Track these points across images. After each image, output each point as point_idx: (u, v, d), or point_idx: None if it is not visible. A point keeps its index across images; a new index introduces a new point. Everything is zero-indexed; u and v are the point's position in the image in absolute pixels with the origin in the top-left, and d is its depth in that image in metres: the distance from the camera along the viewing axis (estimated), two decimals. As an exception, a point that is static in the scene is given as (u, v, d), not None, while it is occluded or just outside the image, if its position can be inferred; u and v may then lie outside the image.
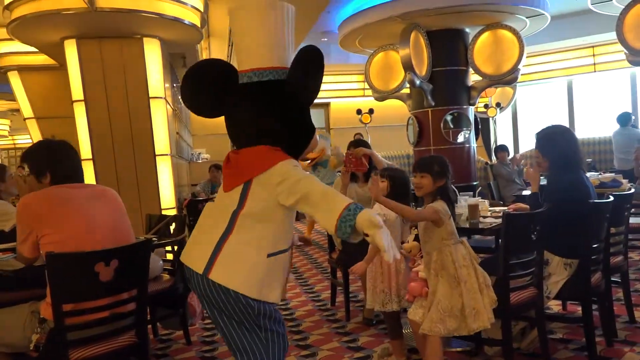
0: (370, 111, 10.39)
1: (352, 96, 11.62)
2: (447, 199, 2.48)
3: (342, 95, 11.64)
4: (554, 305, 3.62)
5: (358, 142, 4.07)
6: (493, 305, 2.37)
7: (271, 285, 1.78)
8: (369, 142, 4.67)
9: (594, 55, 10.02)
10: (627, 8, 6.36)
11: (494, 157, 8.78)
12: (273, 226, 1.77)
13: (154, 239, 3.11)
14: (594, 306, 2.89)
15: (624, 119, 7.96)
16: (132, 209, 5.32)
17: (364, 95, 11.34)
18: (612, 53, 9.22)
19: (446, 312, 2.33)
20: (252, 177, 1.74)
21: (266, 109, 1.83)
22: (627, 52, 6.47)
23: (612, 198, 2.85)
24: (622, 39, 6.41)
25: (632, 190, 3.85)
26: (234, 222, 1.75)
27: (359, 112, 10.50)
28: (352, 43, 8.11)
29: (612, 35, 6.54)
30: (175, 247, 3.35)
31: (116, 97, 5.63)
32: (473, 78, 7.67)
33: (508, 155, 7.60)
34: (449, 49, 7.27)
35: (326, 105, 11.85)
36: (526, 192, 5.96)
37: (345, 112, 11.52)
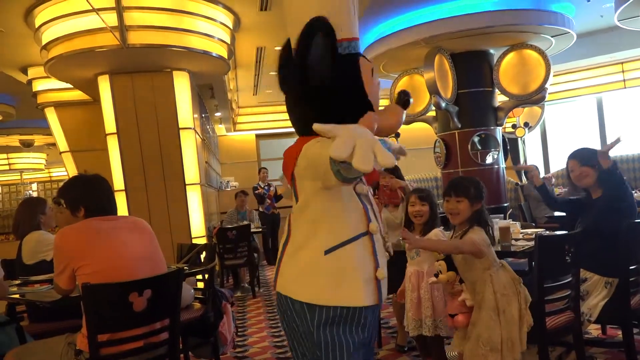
0: (397, 135, 10.39)
1: (377, 120, 11.66)
2: (484, 225, 2.39)
3: (367, 119, 11.69)
4: (593, 330, 3.50)
5: (392, 171, 4.02)
6: (528, 329, 2.30)
7: (345, 285, 1.51)
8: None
9: (623, 71, 9.84)
10: (656, 23, 6.26)
11: (524, 178, 8.64)
12: (323, 216, 1.54)
13: (185, 268, 3.14)
14: (635, 330, 2.79)
15: None
16: (163, 238, 5.41)
17: (389, 119, 11.35)
18: (643, 68, 9.07)
19: (487, 345, 2.25)
20: (291, 171, 1.59)
21: (298, 94, 1.65)
22: (657, 67, 6.35)
23: (648, 218, 2.78)
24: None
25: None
26: (290, 224, 1.63)
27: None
28: (377, 68, 8.16)
29: (642, 51, 6.44)
30: (206, 276, 3.39)
31: (147, 129, 5.78)
32: (500, 99, 7.62)
33: (539, 174, 7.46)
34: (473, 70, 7.26)
35: (352, 130, 11.90)
36: (558, 213, 5.83)
37: (371, 137, 11.54)
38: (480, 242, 2.29)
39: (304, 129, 1.61)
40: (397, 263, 3.15)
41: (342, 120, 1.42)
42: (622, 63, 9.75)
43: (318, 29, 1.54)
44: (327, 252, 1.51)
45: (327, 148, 1.27)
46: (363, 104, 1.59)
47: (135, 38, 5.04)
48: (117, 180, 5.74)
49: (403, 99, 1.66)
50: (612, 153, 2.88)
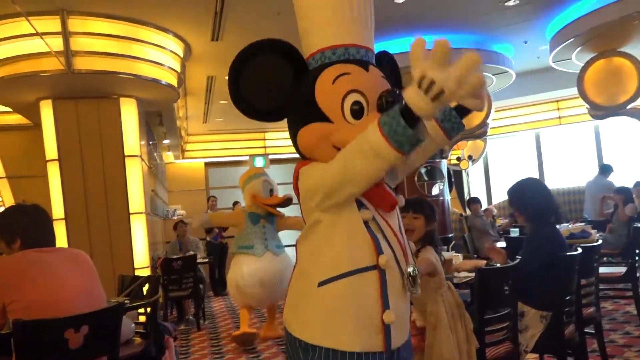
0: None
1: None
2: (435, 245, 2.42)
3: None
4: (531, 359, 3.61)
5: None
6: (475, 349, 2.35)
7: (336, 324, 1.35)
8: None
9: (558, 109, 10.43)
10: (586, 66, 6.71)
11: (467, 209, 8.91)
12: (323, 243, 1.40)
13: (126, 301, 3.04)
14: (570, 359, 2.90)
15: (603, 169, 8.16)
16: (105, 269, 5.21)
17: (339, 150, 11.51)
18: (576, 107, 9.63)
19: None
20: (297, 190, 1.52)
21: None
22: (588, 106, 6.78)
23: (580, 250, 2.92)
24: (583, 95, 6.73)
25: (600, 241, 3.95)
26: (297, 253, 1.51)
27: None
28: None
29: (575, 91, 6.85)
30: (149, 309, 3.28)
31: (91, 156, 5.62)
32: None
33: (481, 206, 7.73)
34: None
35: (302, 160, 11.99)
36: (501, 244, 6.04)
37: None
38: (435, 262, 2.31)
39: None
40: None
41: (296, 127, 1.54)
42: (557, 101, 10.33)
43: (239, 66, 1.53)
44: (320, 284, 1.37)
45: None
46: (316, 113, 1.47)
47: (82, 64, 4.94)
48: (57, 209, 5.52)
49: (377, 103, 1.43)
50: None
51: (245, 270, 4.87)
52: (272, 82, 1.55)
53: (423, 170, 7.45)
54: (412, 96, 1.12)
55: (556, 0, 6.08)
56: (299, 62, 1.58)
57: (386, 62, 1.73)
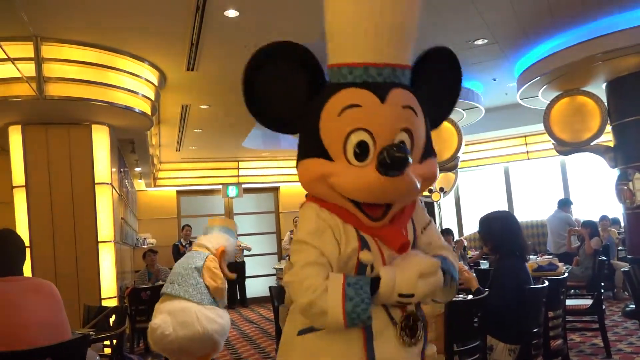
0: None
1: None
2: None
3: (291, 179, 11.83)
4: (502, 392, 3.62)
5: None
6: None
7: None
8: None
9: (526, 144, 10.73)
10: (552, 104, 6.95)
11: (439, 241, 8.98)
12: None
13: (92, 333, 2.96)
14: (539, 391, 2.92)
15: (561, 203, 8.40)
16: (70, 299, 5.06)
17: (313, 180, 11.54)
18: (543, 142, 9.91)
19: None
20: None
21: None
22: (554, 142, 7.00)
23: (547, 283, 2.98)
24: (549, 131, 6.95)
25: (566, 273, 4.03)
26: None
27: (307, 196, 10.64)
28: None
29: (542, 127, 7.08)
30: (115, 341, 3.20)
31: (60, 183, 5.51)
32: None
33: (453, 238, 7.82)
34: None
35: (276, 190, 11.97)
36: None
37: (294, 197, 11.65)
38: None
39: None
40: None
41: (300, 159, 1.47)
42: (525, 136, 10.63)
43: (256, 63, 1.40)
44: (300, 332, 1.36)
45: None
46: (317, 147, 1.37)
47: (54, 90, 4.89)
48: (22, 236, 5.33)
49: (378, 158, 1.30)
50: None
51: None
52: (286, 90, 1.41)
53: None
54: (386, 289, 1.27)
55: (522, 41, 6.33)
56: (316, 70, 1.43)
57: (435, 60, 1.54)
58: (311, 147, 1.39)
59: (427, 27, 5.71)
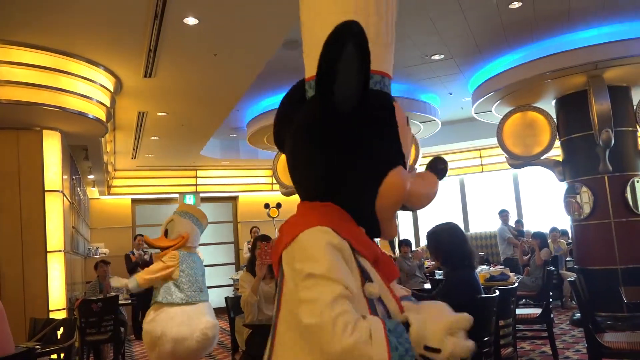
0: (278, 205, 10.54)
1: (260, 190, 11.77)
2: None
3: (250, 189, 11.76)
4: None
5: (264, 237, 4.13)
6: None
7: None
8: (277, 235, 4.72)
9: (481, 157, 11.04)
10: (504, 118, 7.19)
11: (397, 250, 9.11)
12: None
13: (37, 347, 2.84)
14: (490, 400, 2.98)
15: (499, 214, 8.97)
16: (15, 312, 4.86)
17: (272, 190, 11.53)
18: (496, 155, 10.22)
19: None
20: (278, 256, 1.20)
21: (299, 139, 1.27)
22: (507, 156, 7.23)
23: (498, 292, 3.06)
24: (502, 145, 7.17)
25: (517, 283, 4.15)
26: (274, 335, 1.20)
27: (266, 206, 10.61)
28: (260, 140, 8.37)
29: (495, 140, 7.30)
30: (62, 355, 3.08)
31: (7, 190, 5.30)
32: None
33: (410, 249, 7.94)
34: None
35: (234, 199, 11.87)
36: (427, 285, 6.20)
37: (253, 206, 11.59)
38: None
39: (312, 187, 1.25)
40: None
41: (366, 170, 1.17)
42: (480, 149, 10.94)
43: (351, 35, 1.11)
44: None
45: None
46: (396, 152, 1.22)
47: (2, 93, 4.71)
48: (-35, 245, 5.11)
49: (439, 167, 1.36)
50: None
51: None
52: (350, 74, 1.14)
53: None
54: (415, 338, 1.10)
55: (477, 58, 6.54)
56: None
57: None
58: (394, 153, 1.22)
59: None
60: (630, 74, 6.16)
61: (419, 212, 12.01)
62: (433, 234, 3.15)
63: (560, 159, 6.90)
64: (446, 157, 9.42)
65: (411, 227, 12.10)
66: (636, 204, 6.20)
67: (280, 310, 1.18)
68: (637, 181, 6.28)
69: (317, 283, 1.05)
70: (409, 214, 12.05)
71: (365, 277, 1.17)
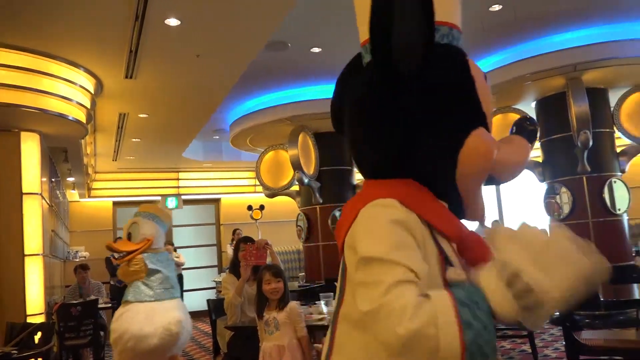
0: (261, 207, 10.50)
1: (243, 192, 11.72)
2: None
3: (233, 191, 11.70)
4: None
5: (247, 238, 4.11)
6: None
7: None
8: (260, 237, 4.70)
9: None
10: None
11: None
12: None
13: (14, 352, 2.80)
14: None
15: None
16: (-8, 316, 4.77)
17: (254, 192, 11.49)
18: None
19: None
20: (342, 239, 1.04)
21: (360, 112, 1.09)
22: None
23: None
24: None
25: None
26: (334, 331, 1.05)
27: (249, 208, 10.58)
28: (243, 142, 8.34)
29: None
30: (40, 360, 3.03)
31: (-16, 192, 5.20)
32: (358, 177, 8.14)
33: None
34: (335, 150, 7.72)
35: (216, 201, 11.80)
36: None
37: (236, 208, 11.53)
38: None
39: (378, 163, 1.07)
40: (252, 338, 3.12)
41: (441, 138, 0.98)
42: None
43: None
44: None
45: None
46: (475, 112, 1.03)
47: (-20, 94, 4.63)
48: (-60, 249, 5.00)
49: (528, 129, 1.15)
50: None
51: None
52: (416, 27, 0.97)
53: (337, 214, 7.59)
54: (496, 297, 0.87)
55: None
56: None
57: None
58: (473, 113, 1.02)
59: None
60: (608, 76, 6.28)
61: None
62: None
63: (540, 160, 6.99)
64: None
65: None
66: (614, 204, 6.31)
67: (342, 302, 1.03)
68: (615, 182, 6.39)
69: (375, 266, 0.90)
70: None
71: (446, 260, 0.98)
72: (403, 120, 1.01)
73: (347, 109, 1.14)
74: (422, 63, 0.99)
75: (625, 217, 6.43)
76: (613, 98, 6.70)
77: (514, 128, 1.17)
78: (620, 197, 6.37)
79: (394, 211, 0.95)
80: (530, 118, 1.21)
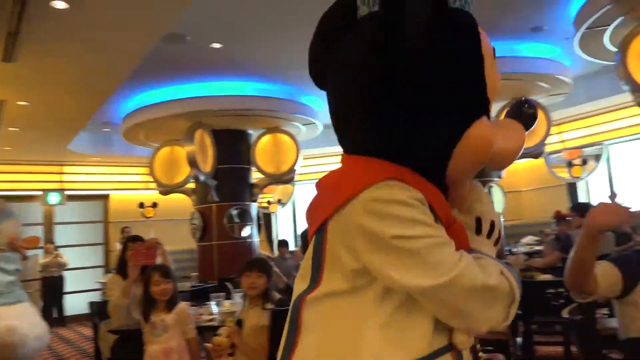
0: (154, 205, 10.11)
1: (134, 188, 11.19)
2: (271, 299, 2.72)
3: (123, 187, 11.14)
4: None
5: (136, 237, 3.96)
6: None
7: None
8: (152, 236, 4.52)
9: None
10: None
11: (276, 251, 9.18)
12: (373, 315, 0.87)
13: None
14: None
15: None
16: None
17: (147, 188, 11.01)
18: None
19: None
20: (325, 217, 0.91)
21: (356, 77, 0.92)
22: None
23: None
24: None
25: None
26: (297, 321, 0.91)
27: (141, 205, 10.13)
28: (137, 136, 7.97)
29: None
30: None
31: None
32: (255, 176, 8.11)
33: (288, 249, 8.03)
34: (233, 147, 7.64)
35: (105, 197, 11.16)
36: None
37: (126, 205, 10.98)
38: None
39: (364, 140, 0.94)
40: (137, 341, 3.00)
41: (440, 127, 0.88)
42: (357, 153, 11.38)
43: None
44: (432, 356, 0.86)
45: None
46: (479, 97, 0.91)
47: None
48: None
49: (527, 113, 1.03)
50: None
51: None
52: None
53: (234, 213, 7.51)
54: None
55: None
56: None
57: None
58: (478, 98, 0.90)
59: (273, 45, 5.84)
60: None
61: (297, 213, 12.22)
62: (305, 236, 3.24)
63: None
64: (326, 159, 9.72)
65: (291, 228, 12.27)
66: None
67: (315, 287, 0.91)
68: (492, 186, 6.94)
69: (422, 230, 0.83)
70: (289, 215, 12.20)
71: None
72: (401, 98, 0.87)
73: (337, 71, 0.96)
74: (430, 31, 0.86)
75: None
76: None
77: (511, 111, 1.05)
78: (498, 200, 6.95)
79: (405, 191, 0.85)
80: (529, 100, 1.08)
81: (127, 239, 4.06)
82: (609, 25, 5.03)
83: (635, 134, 8.52)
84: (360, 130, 0.94)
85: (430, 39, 0.86)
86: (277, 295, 3.13)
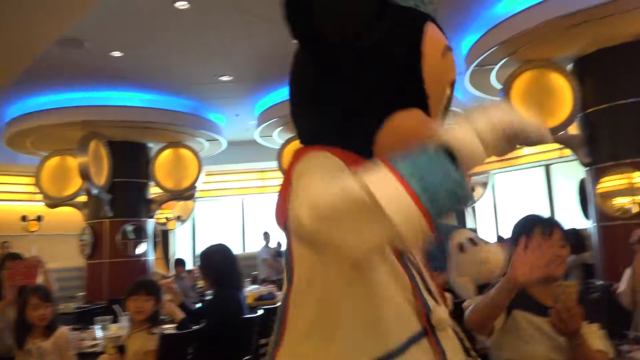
0: (39, 218, 9.38)
1: (17, 200, 10.30)
2: None
3: (5, 198, 10.22)
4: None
5: (14, 255, 3.67)
6: None
7: None
8: (34, 252, 4.20)
9: (262, 179, 11.47)
10: (285, 144, 7.62)
11: (172, 270, 8.85)
12: (344, 304, 0.84)
13: None
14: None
15: (264, 236, 9.22)
16: None
17: (32, 200, 10.19)
18: (277, 178, 10.73)
19: None
20: (283, 221, 0.87)
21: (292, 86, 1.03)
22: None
23: (261, 312, 3.19)
24: (282, 168, 7.58)
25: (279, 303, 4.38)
26: (284, 318, 0.89)
27: (24, 219, 9.36)
28: (22, 143, 7.39)
29: (276, 164, 7.66)
30: None
31: None
32: (154, 191, 7.81)
33: (184, 268, 7.76)
34: (130, 161, 7.33)
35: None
36: (198, 305, 6.14)
37: (7, 217, 10.07)
38: None
39: (309, 133, 0.97)
40: None
41: (371, 116, 0.87)
42: (262, 172, 11.37)
43: None
44: None
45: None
46: (412, 94, 0.91)
47: None
48: None
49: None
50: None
51: None
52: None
53: (129, 229, 7.16)
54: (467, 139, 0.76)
55: (263, 83, 6.84)
56: None
57: None
58: (407, 93, 0.90)
59: (178, 58, 5.71)
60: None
61: (196, 230, 11.91)
62: (207, 254, 3.16)
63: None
64: (229, 177, 9.63)
65: (190, 245, 11.91)
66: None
67: (292, 282, 0.88)
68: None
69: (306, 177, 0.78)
70: (188, 233, 11.85)
71: None
72: (335, 92, 0.91)
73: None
74: (364, 30, 0.87)
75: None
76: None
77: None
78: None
79: (332, 159, 0.84)
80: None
81: (4, 257, 3.73)
82: (495, 64, 5.49)
83: (518, 165, 9.31)
84: (299, 120, 1.01)
85: (364, 34, 0.88)
86: (181, 315, 3.04)
